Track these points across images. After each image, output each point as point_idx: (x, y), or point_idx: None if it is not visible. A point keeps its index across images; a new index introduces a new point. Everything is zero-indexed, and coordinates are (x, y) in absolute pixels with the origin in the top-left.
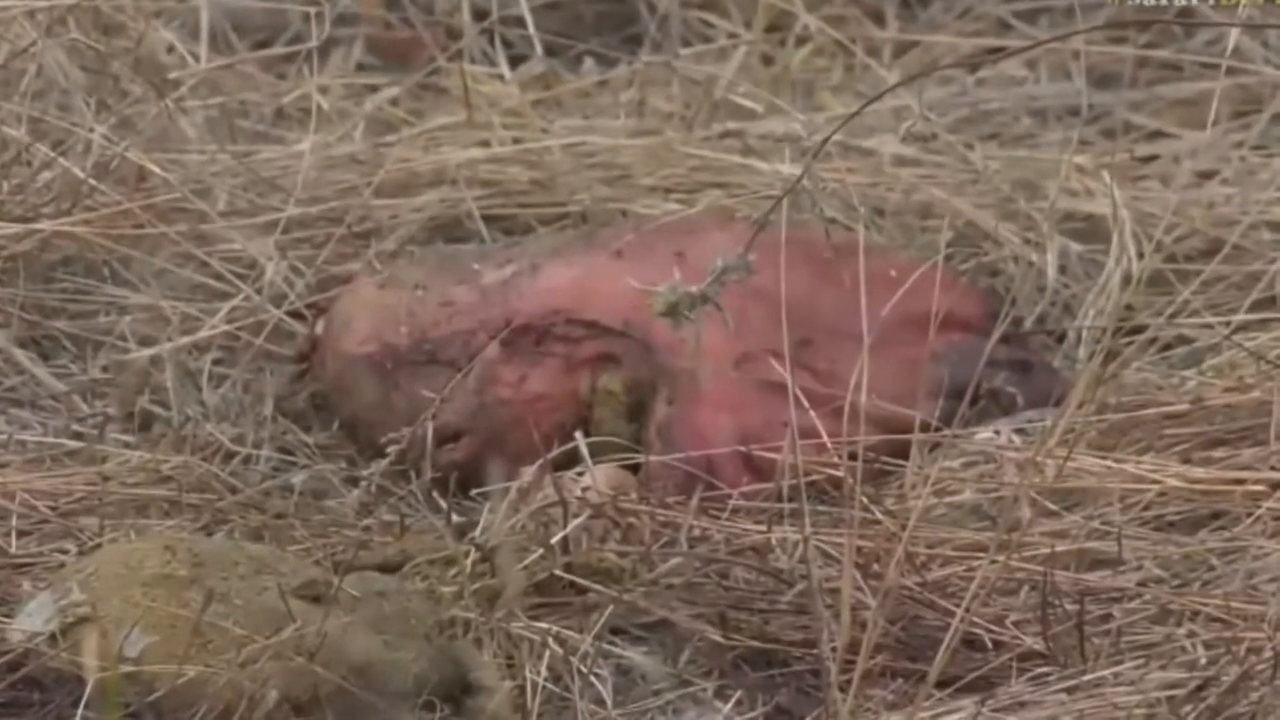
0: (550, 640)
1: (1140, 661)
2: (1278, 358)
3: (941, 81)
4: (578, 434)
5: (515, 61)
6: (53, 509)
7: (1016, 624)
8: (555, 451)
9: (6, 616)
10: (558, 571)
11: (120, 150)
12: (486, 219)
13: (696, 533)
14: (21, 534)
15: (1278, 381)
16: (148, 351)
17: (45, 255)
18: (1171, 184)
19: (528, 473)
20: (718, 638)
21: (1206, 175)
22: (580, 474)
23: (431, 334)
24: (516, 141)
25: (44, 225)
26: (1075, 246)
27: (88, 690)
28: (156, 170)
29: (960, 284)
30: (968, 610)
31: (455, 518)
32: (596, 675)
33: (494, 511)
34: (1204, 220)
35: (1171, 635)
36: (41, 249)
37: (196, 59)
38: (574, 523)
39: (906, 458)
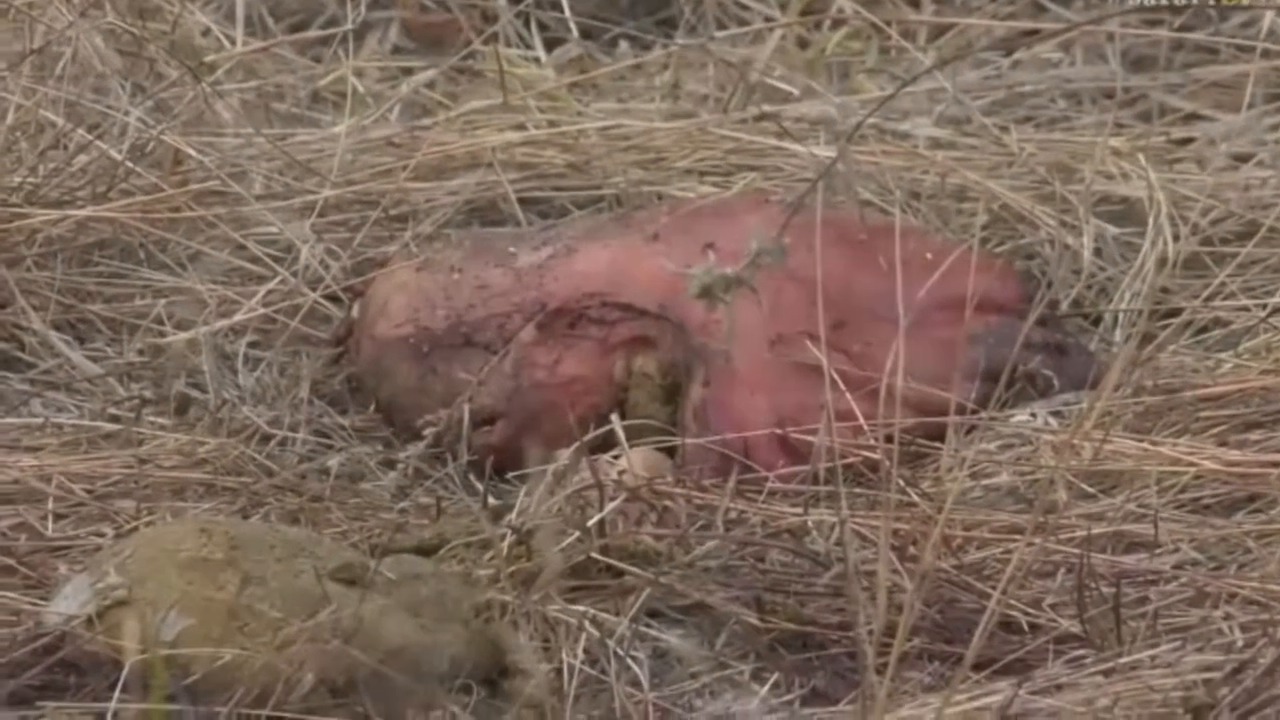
0: (587, 623)
1: (1177, 644)
2: None
3: (976, 64)
4: (613, 417)
5: (551, 44)
6: (89, 492)
7: (1053, 606)
8: (591, 434)
9: (43, 599)
10: (594, 554)
11: (156, 133)
12: (522, 202)
13: (733, 515)
14: (58, 517)
15: None
16: (184, 335)
17: (81, 239)
18: (1207, 166)
19: (564, 456)
20: (754, 620)
21: (1242, 158)
22: (616, 457)
23: (467, 317)
24: (552, 124)
25: (84, 211)
26: (1111, 229)
27: (124, 673)
28: (192, 153)
29: (996, 266)
30: (1004, 593)
31: (491, 501)
32: (633, 658)
33: (530, 494)
34: (1240, 203)
35: (1208, 618)
36: (77, 232)
37: (232, 42)
38: (610, 506)
39: (942, 440)
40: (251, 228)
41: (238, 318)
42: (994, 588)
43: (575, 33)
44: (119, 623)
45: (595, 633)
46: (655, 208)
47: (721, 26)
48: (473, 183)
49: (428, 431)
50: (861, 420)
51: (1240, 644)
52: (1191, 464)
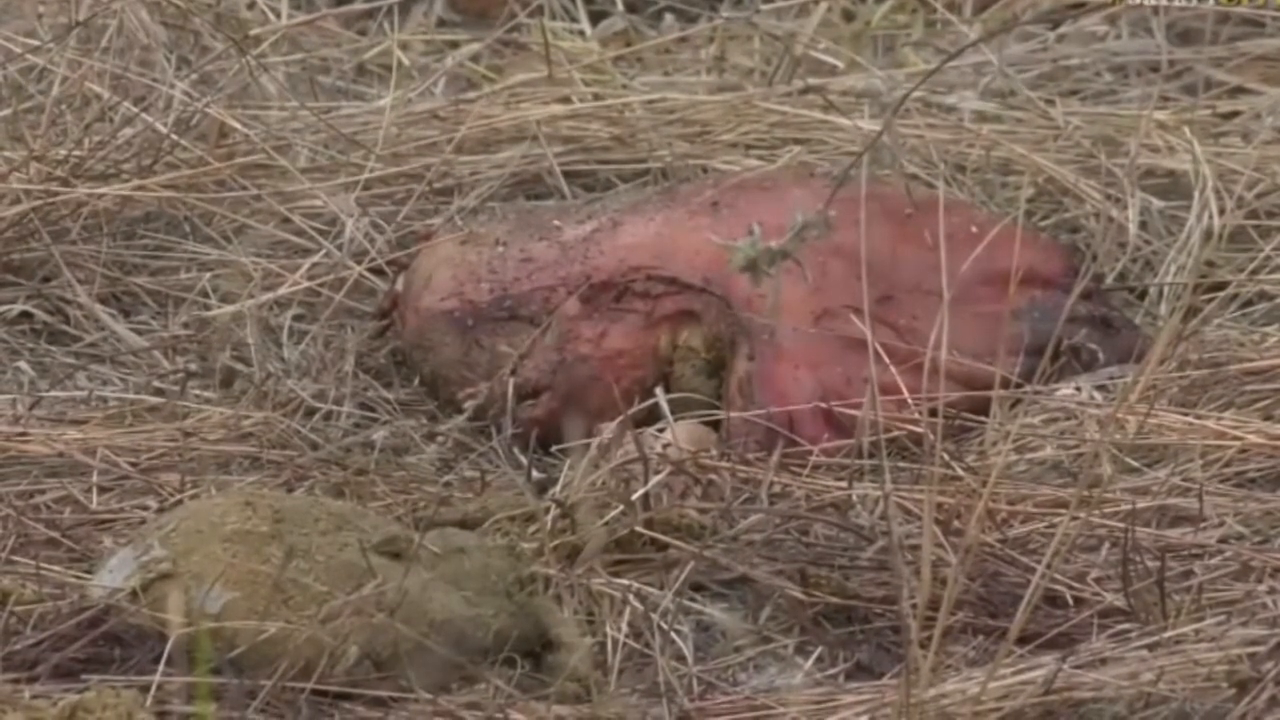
0: (631, 596)
1: (1221, 618)
2: None
3: (1022, 37)
4: (658, 390)
5: (596, 18)
6: (134, 465)
7: (1097, 580)
8: (636, 408)
9: (88, 573)
10: (638, 528)
11: (201, 107)
12: (567, 175)
13: (777, 489)
14: (103, 490)
15: None
16: (229, 308)
17: (126, 212)
18: (1252, 140)
19: (608, 429)
20: (798, 594)
21: None
22: (661, 430)
23: (512, 290)
24: (597, 98)
25: (129, 185)
26: (1156, 202)
27: (169, 646)
28: (237, 127)
29: (1041, 240)
30: (1049, 567)
31: (536, 474)
32: (677, 631)
33: (574, 468)
34: None
35: (1252, 592)
36: (122, 205)
37: (277, 15)
38: (654, 479)
39: (987, 414)
40: (296, 201)
41: (283, 291)
42: (1038, 562)
43: (620, 6)
44: (163, 596)
45: (639, 606)
46: (700, 181)
47: None
48: (518, 156)
49: (468, 404)
50: (906, 394)
51: None
52: (1236, 438)
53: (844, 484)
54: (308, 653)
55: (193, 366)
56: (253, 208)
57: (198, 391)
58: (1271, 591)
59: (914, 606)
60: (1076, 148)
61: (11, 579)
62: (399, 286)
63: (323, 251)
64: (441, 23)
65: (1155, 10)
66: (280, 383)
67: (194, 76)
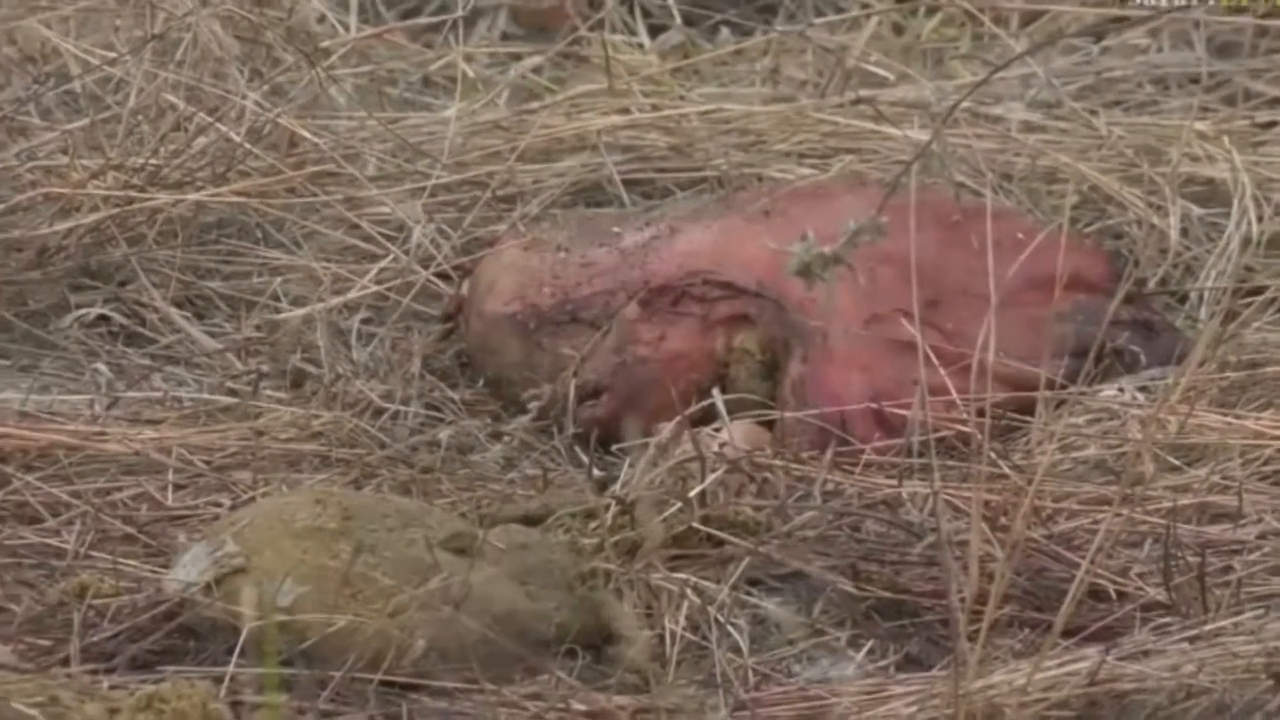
0: (688, 591)
1: (1260, 612)
2: None
3: (1067, 50)
4: (715, 391)
5: (654, 31)
6: (208, 463)
7: (1140, 575)
8: (693, 408)
9: (163, 567)
10: (695, 524)
11: (273, 117)
12: (626, 183)
13: (830, 487)
14: (178, 487)
15: None
16: (300, 311)
17: (200, 218)
18: None
19: (667, 429)
20: (850, 589)
21: None
22: (717, 430)
23: (573, 294)
24: (655, 108)
25: (203, 193)
26: (1196, 210)
27: (241, 639)
28: (308, 136)
29: (1085, 246)
30: (1092, 562)
31: (596, 472)
32: (733, 625)
33: (634, 466)
34: None
35: None
36: (197, 212)
37: (346, 28)
38: (711, 477)
39: (1033, 414)
40: (365, 208)
41: (351, 295)
42: (1083, 557)
43: (678, 19)
44: (236, 590)
45: (696, 600)
46: (755, 189)
47: (819, 13)
48: (578, 165)
49: (532, 405)
50: (954, 395)
51: None
52: (1275, 437)
53: (894, 482)
54: (376, 645)
55: (264, 368)
56: (322, 214)
57: (269, 392)
58: None
59: (962, 600)
60: (1119, 157)
61: (90, 573)
62: (464, 291)
63: (390, 257)
64: (505, 36)
65: (1195, 24)
66: (349, 383)
67: (266, 88)
